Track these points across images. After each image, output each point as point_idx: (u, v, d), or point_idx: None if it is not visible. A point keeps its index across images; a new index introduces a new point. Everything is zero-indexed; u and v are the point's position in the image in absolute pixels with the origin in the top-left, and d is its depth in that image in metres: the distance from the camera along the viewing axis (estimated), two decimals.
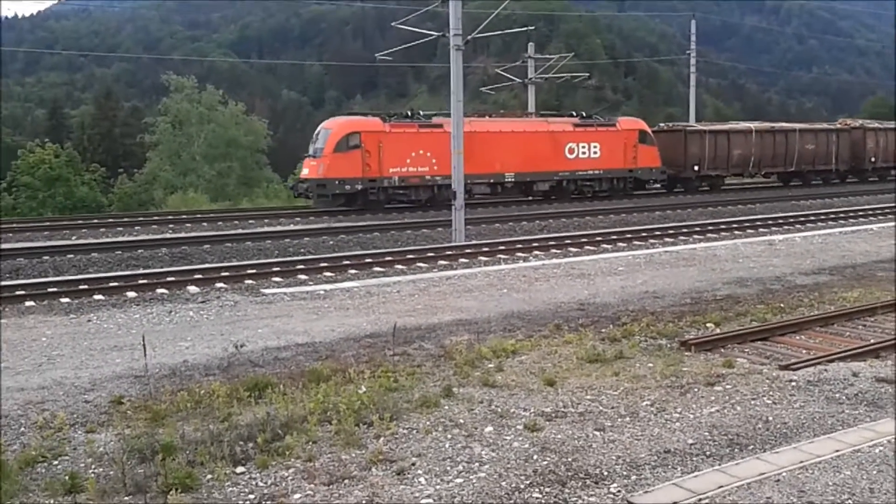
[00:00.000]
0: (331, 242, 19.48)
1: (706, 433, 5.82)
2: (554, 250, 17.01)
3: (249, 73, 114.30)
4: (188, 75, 52.87)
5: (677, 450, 5.50)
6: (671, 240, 18.53)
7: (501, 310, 10.61)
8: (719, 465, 5.20)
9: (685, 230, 20.02)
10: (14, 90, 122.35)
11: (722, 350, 8.60)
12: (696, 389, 6.86)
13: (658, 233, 19.47)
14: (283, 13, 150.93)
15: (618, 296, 11.56)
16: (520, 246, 17.56)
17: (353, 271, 14.66)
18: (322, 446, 5.57)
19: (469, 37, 21.62)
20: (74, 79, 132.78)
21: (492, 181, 29.92)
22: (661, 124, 37.55)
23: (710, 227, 20.58)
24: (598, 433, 5.82)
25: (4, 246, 18.42)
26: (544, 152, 30.73)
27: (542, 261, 15.48)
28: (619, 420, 6.12)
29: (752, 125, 36.42)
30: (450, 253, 16.67)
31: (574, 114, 34.13)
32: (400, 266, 15.19)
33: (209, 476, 5.05)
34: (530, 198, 31.68)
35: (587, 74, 50.03)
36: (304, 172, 28.53)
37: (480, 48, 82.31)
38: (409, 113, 30.96)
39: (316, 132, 29.43)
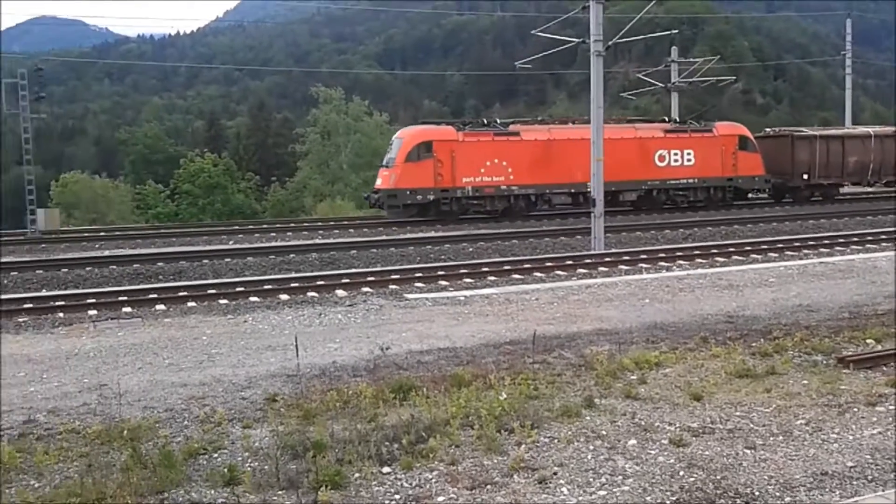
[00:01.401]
0: (470, 249, 19.67)
1: (867, 456, 5.49)
2: (699, 260, 16.47)
3: (393, 83, 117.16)
4: (336, 87, 54.83)
5: (835, 472, 5.22)
6: (826, 250, 17.53)
7: (644, 320, 10.38)
8: (882, 490, 4.89)
9: (842, 240, 18.88)
10: (176, 103, 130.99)
11: (884, 368, 8.06)
12: (855, 409, 6.47)
13: (812, 242, 18.48)
14: (426, 24, 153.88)
15: (768, 308, 11.05)
16: (662, 255, 17.11)
17: (492, 278, 14.76)
18: (464, 450, 5.65)
19: (610, 42, 21.30)
20: (231, 91, 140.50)
21: (573, 191, 28.31)
22: (767, 129, 35.31)
23: (870, 238, 19.31)
24: (748, 451, 5.60)
25: (167, 249, 19.77)
26: (631, 160, 28.75)
27: (686, 270, 15.03)
28: (772, 438, 5.86)
29: (872, 129, 33.36)
30: (589, 261, 16.48)
31: (666, 119, 32.37)
32: (539, 273, 15.15)
33: (357, 475, 5.23)
34: (615, 209, 29.29)
35: (733, 78, 47.69)
36: (378, 182, 27.93)
37: (621, 53, 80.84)
38: (485, 121, 30.11)
39: (391, 142, 28.93)
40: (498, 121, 29.90)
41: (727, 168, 30.20)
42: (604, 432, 5.99)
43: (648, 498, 4.85)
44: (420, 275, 15.03)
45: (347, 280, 14.45)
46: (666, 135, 30.03)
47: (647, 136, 29.55)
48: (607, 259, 16.72)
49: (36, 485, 5.20)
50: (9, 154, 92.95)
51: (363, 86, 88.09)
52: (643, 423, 6.21)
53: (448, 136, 27.28)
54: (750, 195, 32.10)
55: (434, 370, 7.84)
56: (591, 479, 5.14)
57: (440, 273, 15.27)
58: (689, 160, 29.94)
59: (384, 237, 22.29)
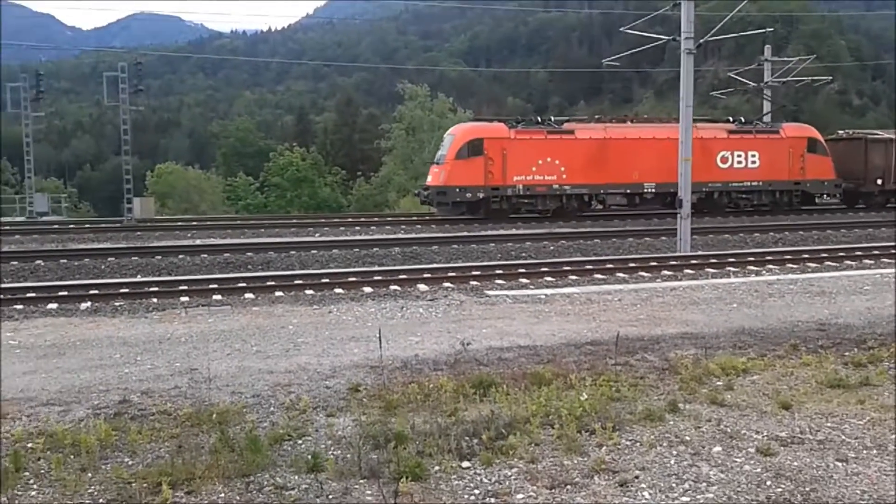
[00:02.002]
0: (551, 248, 19.57)
1: None
2: (790, 265, 15.97)
3: (477, 80, 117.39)
4: (421, 84, 55.27)
5: None
6: None
7: (731, 325, 10.12)
8: None
9: None
10: (267, 97, 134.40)
11: None
12: None
13: None
14: (512, 22, 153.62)
15: (863, 317, 10.62)
16: (752, 259, 16.67)
17: (573, 277, 14.65)
18: (544, 449, 5.62)
19: (702, 40, 20.84)
20: (319, 87, 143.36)
21: (629, 191, 27.96)
22: (840, 132, 33.63)
23: None
24: (839, 464, 5.40)
25: (256, 240, 20.30)
26: (692, 161, 28.67)
27: (776, 275, 14.59)
28: (865, 452, 5.64)
29: None
30: (674, 263, 16.18)
31: (731, 119, 31.23)
32: (621, 274, 14.96)
33: (437, 468, 5.27)
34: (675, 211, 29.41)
35: (829, 78, 45.89)
36: (429, 179, 27.94)
37: (711, 51, 78.79)
38: (540, 119, 29.60)
39: (443, 138, 28.74)
40: (552, 119, 29.45)
41: (794, 171, 29.11)
42: (688, 438, 5.87)
43: None
44: (501, 272, 15.05)
45: (429, 275, 14.57)
46: (729, 135, 29.08)
47: (708, 136, 28.56)
48: (693, 261, 16.38)
49: (129, 462, 5.41)
50: (108, 144, 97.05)
51: (448, 83, 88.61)
52: (729, 430, 6.06)
53: (499, 133, 26.97)
54: (818, 200, 30.83)
55: (514, 367, 7.83)
56: (674, 485, 5.04)
57: (521, 271, 15.25)
58: (753, 162, 28.99)
59: (465, 233, 22.39)
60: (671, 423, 6.20)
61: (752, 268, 15.66)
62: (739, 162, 29.14)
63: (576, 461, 5.42)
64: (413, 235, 21.79)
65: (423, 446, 5.58)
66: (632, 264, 16.00)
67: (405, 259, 17.77)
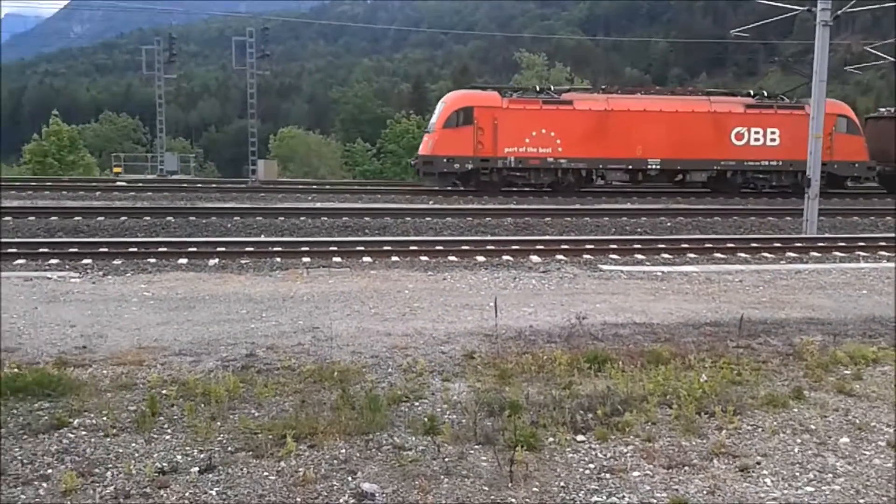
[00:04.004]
0: (668, 224, 19.12)
1: None
2: None
3: (595, 50, 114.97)
4: (539, 53, 54.59)
5: None
6: None
7: (860, 312, 9.63)
8: None
9: None
10: (384, 65, 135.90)
11: None
12: None
13: None
14: None
15: None
16: (883, 243, 15.77)
17: (691, 255, 14.28)
18: (661, 428, 5.55)
19: (840, 11, 19.65)
20: (435, 55, 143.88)
21: (630, 167, 26.16)
22: (882, 109, 30.44)
23: None
24: None
25: (373, 205, 20.69)
26: (702, 136, 26.18)
27: None
28: None
29: None
30: (800, 245, 15.53)
31: (752, 93, 28.61)
32: (743, 254, 14.48)
33: (551, 439, 5.28)
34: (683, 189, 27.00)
35: None
36: (420, 148, 26.83)
37: (844, 24, 74.25)
38: (538, 88, 27.88)
39: (437, 106, 27.37)
40: (552, 88, 27.73)
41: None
42: (813, 426, 5.66)
43: (861, 500, 4.55)
44: (615, 246, 14.84)
45: (542, 247, 14.51)
46: (746, 110, 27.01)
47: (722, 110, 26.75)
48: (820, 244, 15.67)
49: (256, 413, 5.66)
50: (232, 107, 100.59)
51: (564, 52, 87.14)
52: (857, 421, 5.80)
53: (491, 102, 25.66)
54: (849, 183, 28.02)
55: (630, 344, 7.72)
56: (798, 474, 4.89)
57: (636, 246, 14.98)
58: (772, 140, 26.84)
59: (578, 206, 22.14)
60: (795, 410, 5.99)
61: (884, 253, 14.83)
62: (757, 139, 27.04)
63: (694, 443, 5.32)
64: (526, 206, 21.71)
65: (537, 417, 5.60)
66: (754, 244, 15.45)
67: (517, 230, 17.74)
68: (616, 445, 5.25)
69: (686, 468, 4.93)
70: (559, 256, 13.66)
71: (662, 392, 6.16)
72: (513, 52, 60.19)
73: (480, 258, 13.30)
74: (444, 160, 25.36)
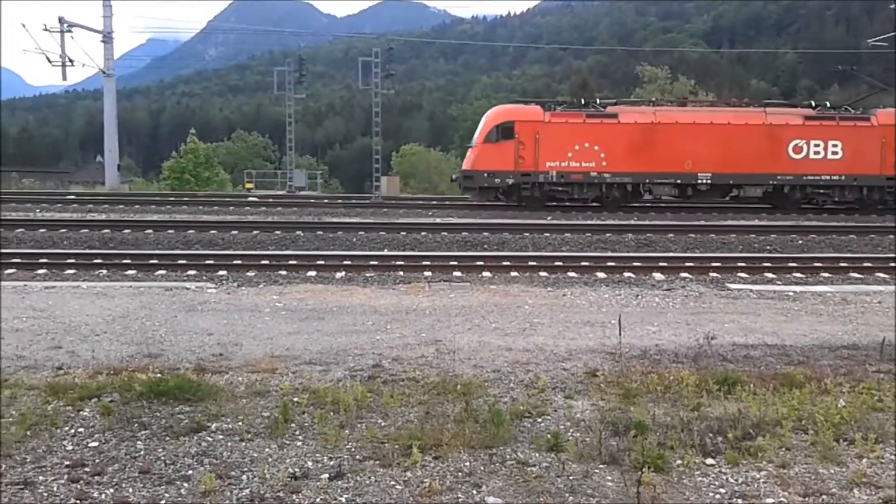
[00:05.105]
0: (799, 242, 18.29)
1: None
2: None
3: (719, 63, 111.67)
4: (661, 66, 53.55)
5: None
6: None
7: None
8: None
9: None
10: (503, 82, 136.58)
11: None
12: None
13: None
14: (760, 0, 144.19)
15: None
16: None
17: (825, 274, 13.61)
18: (796, 455, 5.31)
19: None
20: (553, 71, 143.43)
21: (679, 181, 25.06)
22: None
23: None
24: None
25: (490, 221, 20.78)
26: (756, 150, 24.97)
27: None
28: None
29: None
30: None
31: (813, 104, 26.63)
32: (882, 274, 13.67)
33: (679, 461, 5.15)
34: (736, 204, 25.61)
35: None
36: (463, 163, 26.51)
37: None
38: (583, 101, 26.94)
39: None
40: (597, 101, 26.80)
41: (888, 165, 24.81)
42: None
43: None
44: (743, 264, 14.34)
45: (665, 263, 14.19)
46: (805, 122, 25.48)
47: (779, 122, 25.35)
48: None
49: (382, 423, 5.79)
50: (356, 125, 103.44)
51: (687, 65, 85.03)
52: None
53: (532, 116, 25.31)
54: None
55: (761, 366, 7.44)
56: None
57: (766, 264, 14.41)
58: (834, 153, 25.24)
59: (703, 222, 21.51)
60: None
61: None
62: (817, 152, 25.46)
63: (832, 471, 5.07)
64: (647, 222, 21.26)
65: (664, 438, 5.48)
66: (893, 263, 14.56)
67: (639, 246, 17.40)
68: (748, 471, 5.07)
69: (824, 497, 4.71)
70: (684, 274, 13.31)
71: (797, 417, 5.90)
72: (633, 66, 59.22)
73: (601, 274, 13.13)
74: (485, 175, 25.45)
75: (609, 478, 4.91)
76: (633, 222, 21.26)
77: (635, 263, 14.15)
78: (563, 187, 25.90)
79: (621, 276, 13.00)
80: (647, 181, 25.84)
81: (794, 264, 14.39)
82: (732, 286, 12.26)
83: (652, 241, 17.84)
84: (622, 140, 25.47)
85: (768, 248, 17.45)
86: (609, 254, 15.75)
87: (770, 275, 13.50)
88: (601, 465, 5.09)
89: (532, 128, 25.35)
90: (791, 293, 11.66)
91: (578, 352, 7.88)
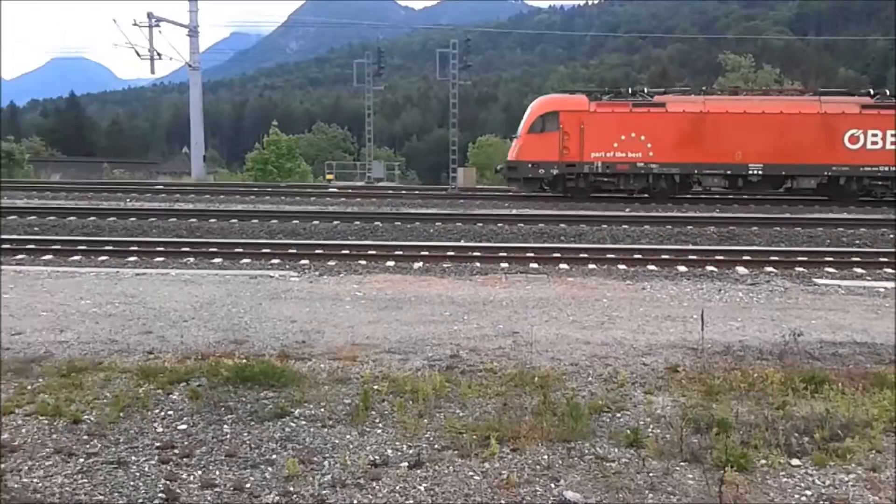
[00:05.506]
0: (891, 235, 17.57)
1: None
2: None
3: (806, 51, 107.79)
4: (744, 55, 52.08)
5: None
6: None
7: None
8: None
9: None
10: (580, 72, 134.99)
11: None
12: None
13: None
14: None
15: None
16: None
17: None
18: (888, 458, 5.13)
19: None
20: (632, 60, 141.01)
21: (729, 172, 24.41)
22: None
23: None
24: None
25: (567, 212, 20.62)
26: (810, 140, 24.19)
27: None
28: None
29: None
30: None
31: (871, 93, 25.39)
32: None
33: (763, 461, 5.04)
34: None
35: None
36: (508, 154, 26.37)
37: None
38: (630, 90, 26.42)
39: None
40: (644, 90, 26.33)
41: None
42: None
43: None
44: (831, 259, 13.86)
45: (749, 257, 13.85)
46: (862, 111, 24.46)
47: (834, 111, 24.42)
48: None
49: (460, 413, 5.83)
50: (432, 117, 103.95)
51: (771, 53, 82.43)
52: None
53: (577, 106, 25.06)
54: None
55: (850, 365, 7.20)
56: None
57: (855, 259, 13.90)
58: (894, 143, 24.28)
59: (788, 215, 20.86)
60: None
61: None
62: (875, 143, 24.43)
63: None
64: (730, 215, 20.73)
65: (747, 437, 5.36)
66: None
67: (721, 239, 17.00)
68: (836, 473, 4.92)
69: None
70: (768, 268, 12.95)
71: (888, 418, 5.69)
72: (715, 54, 57.73)
73: (682, 268, 12.88)
74: (529, 165, 25.36)
75: (690, 476, 4.83)
76: (715, 215, 20.76)
77: (718, 257, 13.84)
78: (609, 178, 25.66)
79: (703, 270, 12.74)
80: (696, 172, 25.45)
81: (886, 259, 13.84)
82: (820, 281, 11.87)
83: (735, 234, 17.41)
84: (670, 130, 25.13)
85: (857, 242, 16.81)
86: (690, 247, 15.45)
87: (860, 270, 13.02)
88: (682, 463, 5.02)
89: (577, 118, 25.19)
90: (882, 289, 11.22)
91: (659, 347, 7.76)
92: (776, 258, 13.79)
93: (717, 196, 26.34)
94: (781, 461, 5.05)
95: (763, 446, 5.22)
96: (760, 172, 25.10)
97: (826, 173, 25.00)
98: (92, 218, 18.81)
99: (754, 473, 4.89)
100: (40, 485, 4.65)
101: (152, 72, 40.81)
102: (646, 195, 25.52)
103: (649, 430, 5.56)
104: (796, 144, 24.69)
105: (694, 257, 13.81)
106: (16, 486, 4.62)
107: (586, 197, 25.28)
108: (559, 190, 25.96)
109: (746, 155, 24.94)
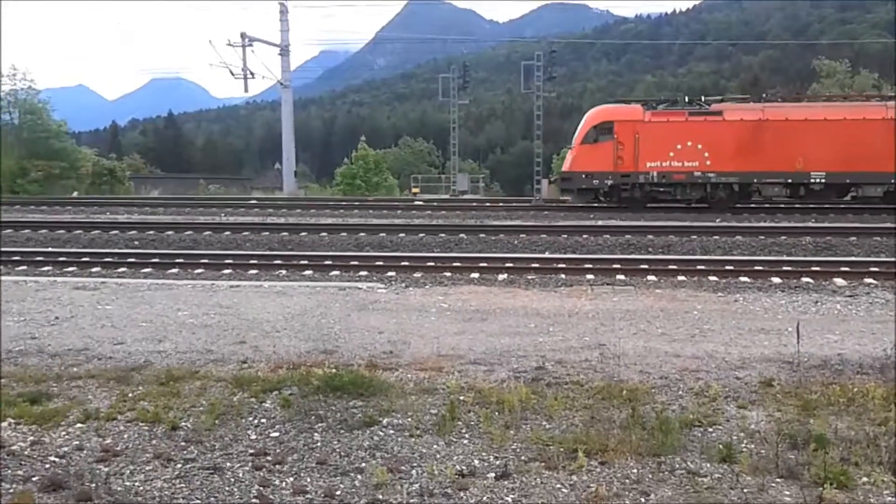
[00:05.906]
0: None
1: None
2: None
3: None
4: (840, 59, 50.26)
5: None
6: None
7: None
8: None
9: None
10: (667, 80, 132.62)
11: None
12: None
13: None
14: None
15: None
16: None
17: None
18: None
19: None
20: (721, 68, 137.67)
21: (790, 181, 23.64)
22: None
23: None
24: None
25: (656, 223, 20.26)
26: (876, 146, 23.19)
27: None
28: None
29: None
30: None
31: None
32: None
33: (864, 479, 4.85)
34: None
35: None
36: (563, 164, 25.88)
37: None
38: (687, 99, 25.55)
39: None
40: (703, 99, 25.49)
41: None
42: None
43: None
44: None
45: (847, 269, 13.33)
46: None
47: None
48: None
49: (547, 426, 5.80)
50: (517, 129, 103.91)
51: (869, 58, 79.14)
52: None
53: (632, 115, 24.72)
54: None
55: None
56: None
57: None
58: None
59: (889, 224, 19.97)
60: None
61: None
62: None
63: None
64: (826, 224, 20.01)
65: (847, 453, 5.17)
66: None
67: (818, 250, 16.41)
68: None
69: None
70: (868, 280, 12.43)
71: None
72: (809, 60, 55.82)
73: (776, 279, 12.49)
74: (583, 176, 25.24)
75: (787, 492, 4.69)
76: (811, 225, 20.08)
77: (814, 268, 13.36)
78: (665, 188, 25.36)
79: (798, 282, 12.32)
80: (755, 181, 24.84)
81: None
82: None
83: (832, 245, 16.79)
84: (727, 138, 24.71)
85: None
86: (784, 258, 14.97)
87: None
88: (778, 479, 4.87)
89: (631, 127, 25.00)
90: None
91: (752, 360, 7.55)
92: (876, 269, 13.23)
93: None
94: (885, 479, 4.85)
95: (864, 463, 5.02)
96: (823, 180, 24.45)
97: (893, 181, 24.12)
98: (189, 232, 19.55)
99: (855, 491, 4.71)
100: (141, 488, 4.85)
101: (245, 90, 42.26)
102: (704, 205, 25.18)
103: (743, 445, 5.42)
104: (861, 151, 23.92)
105: (789, 268, 13.37)
106: (119, 488, 4.83)
107: (641, 207, 25.09)
108: (614, 200, 25.86)
109: (808, 163, 24.33)
